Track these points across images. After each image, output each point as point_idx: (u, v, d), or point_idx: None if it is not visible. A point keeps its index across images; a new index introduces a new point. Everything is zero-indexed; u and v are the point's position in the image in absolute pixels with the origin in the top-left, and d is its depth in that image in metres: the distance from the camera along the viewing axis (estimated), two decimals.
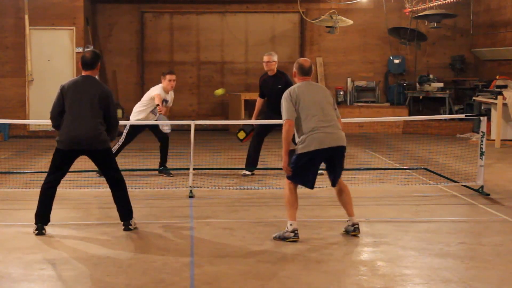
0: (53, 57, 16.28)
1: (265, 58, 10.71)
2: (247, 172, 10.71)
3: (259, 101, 10.97)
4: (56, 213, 7.23)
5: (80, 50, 16.13)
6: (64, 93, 7.10)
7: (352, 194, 7.24)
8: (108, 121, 7.18)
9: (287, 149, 6.88)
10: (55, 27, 16.24)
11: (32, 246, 6.58)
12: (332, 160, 6.95)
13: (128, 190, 7.30)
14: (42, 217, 7.07)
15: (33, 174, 10.31)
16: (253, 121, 10.71)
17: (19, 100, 16.28)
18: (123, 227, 7.19)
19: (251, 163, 10.75)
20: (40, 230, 7.02)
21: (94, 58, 7.21)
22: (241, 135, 10.72)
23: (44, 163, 11.80)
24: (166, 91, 10.60)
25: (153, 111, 10.52)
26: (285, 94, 6.95)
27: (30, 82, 16.20)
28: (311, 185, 6.98)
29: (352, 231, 7.01)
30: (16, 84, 16.27)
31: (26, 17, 15.97)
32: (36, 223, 7.07)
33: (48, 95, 16.20)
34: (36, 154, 13.04)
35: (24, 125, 16.12)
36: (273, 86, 10.59)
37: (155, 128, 10.54)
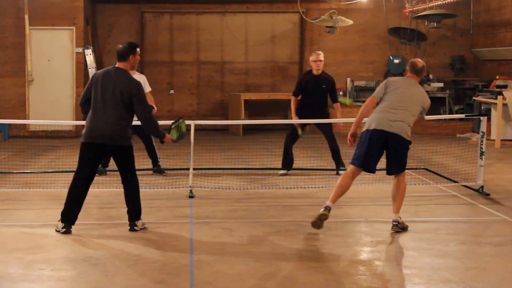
0: (53, 57, 16.27)
1: (319, 57, 10.71)
2: (285, 172, 10.70)
3: (294, 100, 10.87)
4: (55, 213, 7.24)
5: (80, 50, 16.14)
6: (94, 82, 7.01)
7: (351, 194, 7.27)
8: (138, 116, 6.99)
9: (358, 121, 7.29)
10: (55, 27, 16.23)
11: (32, 246, 6.58)
12: (387, 147, 7.08)
13: (139, 192, 7.23)
14: (69, 216, 7.02)
15: (33, 174, 10.31)
16: (309, 121, 10.59)
17: (19, 100, 16.28)
18: (128, 227, 7.17)
19: (289, 163, 10.76)
20: (67, 229, 6.98)
21: (126, 49, 7.06)
22: (300, 131, 10.65)
23: (44, 163, 11.83)
24: None
25: None
26: (385, 80, 7.35)
27: (30, 82, 16.20)
28: (364, 164, 7.07)
29: (392, 227, 7.15)
30: (16, 84, 16.27)
31: (26, 17, 15.97)
32: (62, 221, 7.01)
33: (48, 95, 16.27)
34: (36, 154, 13.03)
35: (24, 125, 16.11)
36: (318, 85, 10.66)
37: (137, 129, 10.56)
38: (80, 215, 7.96)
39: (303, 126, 10.69)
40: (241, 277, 5.71)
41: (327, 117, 10.75)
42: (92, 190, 9.02)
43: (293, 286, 5.51)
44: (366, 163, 7.09)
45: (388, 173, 7.26)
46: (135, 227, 7.15)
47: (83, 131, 7.06)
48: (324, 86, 10.68)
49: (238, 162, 11.71)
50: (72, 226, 7.05)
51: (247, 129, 17.03)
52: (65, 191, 7.86)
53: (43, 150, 13.47)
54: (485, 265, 6.07)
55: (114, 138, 6.95)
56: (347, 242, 6.86)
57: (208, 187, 9.46)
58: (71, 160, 11.58)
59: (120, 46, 7.14)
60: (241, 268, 5.95)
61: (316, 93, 10.67)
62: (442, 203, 8.77)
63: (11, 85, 16.29)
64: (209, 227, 7.41)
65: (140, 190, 9.38)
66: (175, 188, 9.46)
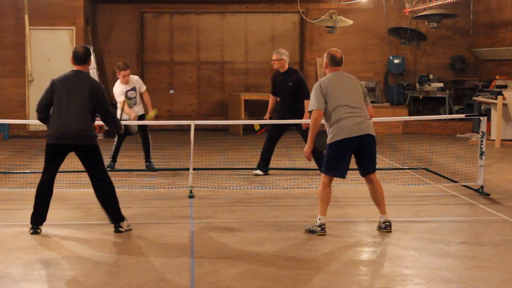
0: (53, 57, 16.27)
1: (273, 57, 10.73)
2: (259, 172, 10.66)
3: (272, 99, 10.95)
4: (56, 213, 7.24)
5: None
6: (55, 87, 7.06)
7: (351, 194, 7.28)
8: (102, 116, 7.16)
9: (313, 137, 7.04)
10: (55, 27, 16.24)
11: (32, 246, 6.58)
12: (360, 149, 7.03)
13: (116, 191, 7.17)
14: (36, 217, 7.06)
15: (33, 174, 10.30)
16: (266, 121, 10.58)
17: (19, 100, 16.28)
18: (113, 229, 7.15)
19: (264, 164, 10.71)
20: (35, 230, 7.02)
21: (87, 53, 7.19)
22: (256, 126, 10.69)
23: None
24: (125, 83, 10.93)
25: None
26: (315, 85, 7.11)
27: (30, 82, 16.20)
28: (342, 174, 7.07)
29: (384, 228, 7.14)
30: (16, 84, 16.27)
31: (26, 17, 15.97)
32: (30, 223, 7.06)
33: None
34: (36, 154, 13.02)
35: (24, 125, 16.12)
36: (284, 83, 10.61)
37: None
38: (81, 215, 7.98)
39: (262, 124, 10.69)
40: (242, 277, 5.71)
41: (301, 113, 10.42)
42: (92, 190, 9.04)
43: (294, 286, 5.51)
44: (345, 173, 7.09)
45: (365, 174, 7.15)
46: (121, 229, 7.10)
47: (47, 132, 7.10)
48: (290, 84, 10.54)
49: (238, 162, 11.70)
50: (72, 227, 7.04)
51: (247, 129, 17.02)
52: (65, 191, 7.89)
53: (42, 150, 13.44)
54: (485, 265, 6.07)
55: (81, 138, 6.99)
56: (347, 242, 6.86)
57: (208, 187, 9.46)
58: (70, 160, 11.58)
59: (80, 50, 7.22)
60: (242, 268, 5.95)
61: (285, 91, 10.60)
62: (442, 203, 8.76)
63: (11, 85, 16.30)
64: (209, 227, 7.41)
65: (140, 190, 9.42)
66: (175, 188, 9.46)
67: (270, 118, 10.86)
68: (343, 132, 6.92)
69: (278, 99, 10.93)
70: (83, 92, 6.99)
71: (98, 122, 7.69)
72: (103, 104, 7.09)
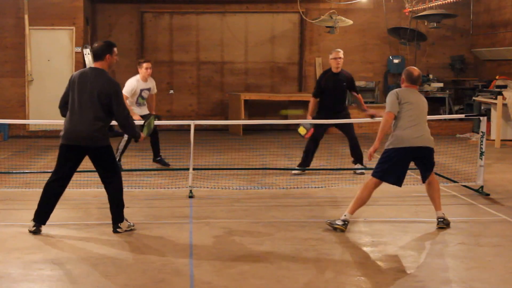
0: (52, 57, 16.27)
1: (334, 55, 10.82)
2: (297, 172, 10.67)
3: (313, 101, 10.85)
4: (56, 213, 7.23)
5: (80, 50, 16.14)
6: (71, 84, 6.94)
7: (351, 194, 7.27)
8: (115, 119, 6.93)
9: (381, 137, 7.30)
10: (55, 27, 16.23)
11: (32, 246, 6.58)
12: (422, 159, 7.33)
13: (123, 192, 7.13)
14: (40, 216, 7.00)
15: (33, 174, 10.31)
16: (310, 120, 10.49)
17: (18, 100, 16.28)
18: (112, 229, 7.12)
19: (306, 164, 10.74)
20: (37, 228, 6.97)
21: (102, 49, 6.95)
22: (302, 131, 10.39)
23: (44, 163, 11.81)
24: (144, 80, 10.88)
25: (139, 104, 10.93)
26: (392, 92, 7.39)
27: (29, 82, 16.20)
28: (399, 182, 7.28)
29: (437, 224, 7.38)
30: (15, 84, 16.27)
31: (26, 17, 15.97)
32: (33, 220, 7.00)
33: (48, 95, 16.24)
34: (36, 154, 13.03)
35: (24, 125, 16.12)
36: (338, 83, 10.72)
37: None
38: (80, 215, 7.97)
39: (308, 127, 10.33)
40: (241, 277, 5.71)
41: (348, 117, 10.71)
42: (92, 190, 9.06)
43: (293, 286, 5.51)
44: (401, 181, 7.29)
45: (424, 181, 7.49)
46: (119, 229, 7.07)
47: (61, 133, 6.98)
48: (345, 84, 10.78)
49: (238, 162, 11.70)
50: (72, 227, 7.03)
51: (247, 129, 17.03)
52: (65, 191, 7.84)
53: (42, 150, 13.46)
54: (485, 265, 6.07)
55: (91, 139, 6.86)
56: (346, 242, 6.86)
57: (208, 187, 9.46)
58: None
59: (96, 45, 7.03)
60: (241, 268, 5.95)
61: (338, 90, 10.74)
62: (442, 203, 8.74)
63: (10, 85, 16.30)
64: (209, 227, 7.41)
65: (140, 190, 9.41)
66: (175, 188, 9.46)
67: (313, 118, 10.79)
68: (404, 141, 7.19)
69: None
70: (94, 91, 6.81)
71: None
72: (114, 105, 6.82)
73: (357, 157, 10.77)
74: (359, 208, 7.29)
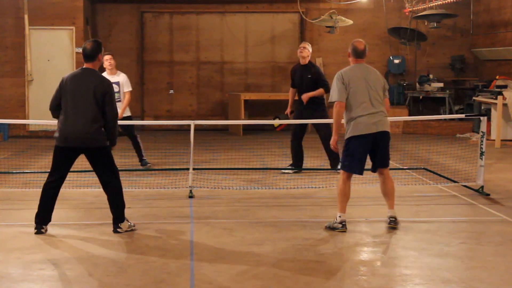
0: (52, 57, 16.27)
1: (301, 45, 10.83)
2: (288, 172, 10.72)
3: (291, 91, 11.03)
4: (56, 213, 7.23)
5: (80, 50, 16.12)
6: (63, 86, 6.90)
7: (351, 194, 7.26)
8: (106, 117, 6.86)
9: (337, 129, 7.12)
10: (55, 27, 16.24)
11: (32, 246, 6.57)
12: (376, 145, 7.13)
13: (123, 192, 7.11)
14: (41, 217, 7.02)
15: (33, 174, 10.30)
16: (288, 121, 10.67)
17: (18, 100, 16.28)
18: (112, 229, 7.12)
19: (296, 164, 10.81)
20: (38, 230, 6.99)
21: (94, 49, 6.91)
22: (276, 124, 10.71)
23: (44, 163, 11.80)
24: (110, 73, 10.97)
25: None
26: (337, 75, 7.15)
27: (29, 82, 16.20)
28: (359, 171, 7.18)
29: (388, 223, 7.27)
30: (15, 84, 16.27)
31: (26, 17, 15.97)
32: (35, 222, 7.04)
33: (48, 95, 16.13)
34: (36, 154, 13.03)
35: (24, 125, 16.13)
36: (303, 75, 10.68)
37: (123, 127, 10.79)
38: (80, 215, 7.97)
39: (282, 117, 10.82)
40: (242, 277, 5.71)
41: (322, 113, 10.63)
42: (92, 190, 9.06)
43: (293, 286, 5.51)
44: (362, 169, 7.22)
45: (377, 168, 7.27)
46: (119, 229, 7.06)
47: (56, 134, 6.96)
48: (309, 76, 10.62)
49: (238, 162, 11.70)
50: (72, 227, 7.02)
51: (247, 129, 17.03)
52: (65, 191, 7.87)
53: (42, 150, 13.46)
54: (485, 265, 6.06)
55: (88, 141, 6.84)
56: (347, 242, 6.85)
57: (208, 187, 9.46)
58: None
59: (88, 46, 6.97)
60: (241, 268, 5.95)
61: (304, 83, 10.67)
62: (442, 203, 8.76)
63: (10, 85, 16.30)
64: (209, 227, 7.41)
65: (140, 190, 9.40)
66: (175, 188, 9.46)
67: (291, 113, 10.95)
68: (359, 128, 7.01)
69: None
70: (89, 92, 6.77)
71: None
72: (107, 104, 6.80)
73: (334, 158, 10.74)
74: (347, 203, 7.19)
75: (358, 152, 7.10)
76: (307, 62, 10.71)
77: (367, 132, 7.03)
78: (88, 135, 6.82)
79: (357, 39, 7.54)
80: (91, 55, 6.94)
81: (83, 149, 6.93)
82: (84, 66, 7.02)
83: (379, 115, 7.09)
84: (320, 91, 10.55)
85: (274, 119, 10.94)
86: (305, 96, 10.50)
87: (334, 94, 7.12)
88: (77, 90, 6.84)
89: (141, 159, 11.18)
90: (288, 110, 10.99)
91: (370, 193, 9.19)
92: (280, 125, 10.85)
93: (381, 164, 7.26)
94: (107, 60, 10.89)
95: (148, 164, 11.13)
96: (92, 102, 6.80)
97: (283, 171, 10.76)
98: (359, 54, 7.28)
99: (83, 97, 6.81)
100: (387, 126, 7.16)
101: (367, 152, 7.18)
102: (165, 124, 17.27)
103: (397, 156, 12.54)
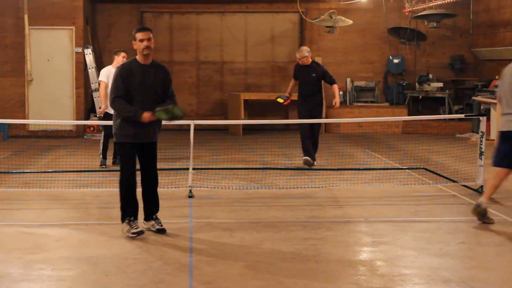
0: (52, 57, 16.28)
1: (299, 55, 11.49)
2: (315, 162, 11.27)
3: (292, 82, 11.77)
4: (55, 213, 7.23)
5: (80, 50, 16.15)
6: (129, 78, 6.97)
7: (351, 194, 7.27)
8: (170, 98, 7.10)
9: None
10: (55, 27, 16.24)
11: (32, 246, 6.58)
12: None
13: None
14: (134, 211, 6.96)
15: (33, 174, 10.30)
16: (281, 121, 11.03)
17: (18, 100, 16.28)
18: (156, 226, 7.07)
19: (309, 154, 11.24)
20: (137, 227, 6.88)
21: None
22: (280, 100, 11.70)
23: (44, 163, 11.82)
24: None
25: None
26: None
27: (29, 82, 16.20)
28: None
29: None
30: (15, 84, 16.27)
31: (26, 17, 15.97)
32: (128, 219, 6.89)
33: (48, 95, 16.27)
34: (36, 154, 13.03)
35: (24, 125, 16.12)
36: (308, 74, 11.41)
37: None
38: (79, 215, 7.98)
39: (284, 98, 11.67)
40: (241, 277, 5.71)
41: (321, 112, 11.65)
42: (92, 190, 9.07)
43: (293, 287, 5.51)
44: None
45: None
46: (158, 221, 7.18)
47: (123, 131, 6.89)
48: (314, 75, 11.39)
49: (238, 162, 11.70)
50: (72, 227, 7.02)
51: (247, 129, 17.03)
52: (65, 191, 7.87)
53: (42, 150, 13.47)
54: (485, 265, 6.07)
55: (155, 135, 7.04)
56: (347, 242, 6.86)
57: (208, 187, 9.46)
58: (71, 160, 11.59)
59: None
60: (241, 268, 5.95)
61: (309, 81, 11.39)
62: (441, 203, 8.76)
63: (10, 85, 16.30)
64: (209, 227, 7.41)
65: (140, 190, 9.40)
66: (175, 188, 9.46)
67: (290, 94, 11.79)
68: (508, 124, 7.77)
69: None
70: (158, 84, 7.03)
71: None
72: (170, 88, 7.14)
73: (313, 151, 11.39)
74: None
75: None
76: (310, 62, 11.45)
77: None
78: (156, 129, 7.02)
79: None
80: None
81: (147, 144, 7.00)
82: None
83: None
84: (336, 88, 11.51)
85: (276, 98, 11.89)
86: (338, 102, 11.49)
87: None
88: (146, 83, 7.02)
89: (115, 157, 11.19)
90: (288, 91, 11.78)
91: (370, 193, 9.20)
92: (286, 100, 11.52)
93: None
94: (124, 57, 11.02)
95: (103, 166, 11.15)
96: (161, 94, 7.05)
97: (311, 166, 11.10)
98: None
99: (152, 90, 7.02)
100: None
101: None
102: (164, 124, 17.23)
103: (397, 156, 12.54)
